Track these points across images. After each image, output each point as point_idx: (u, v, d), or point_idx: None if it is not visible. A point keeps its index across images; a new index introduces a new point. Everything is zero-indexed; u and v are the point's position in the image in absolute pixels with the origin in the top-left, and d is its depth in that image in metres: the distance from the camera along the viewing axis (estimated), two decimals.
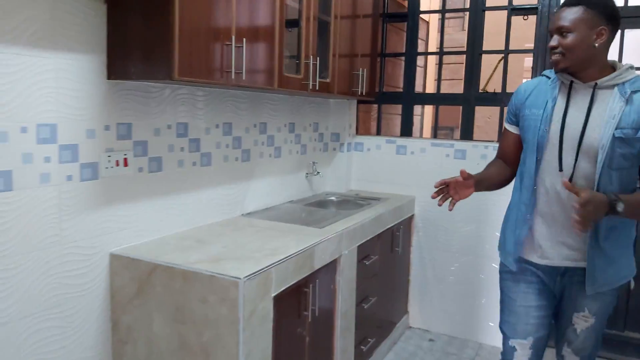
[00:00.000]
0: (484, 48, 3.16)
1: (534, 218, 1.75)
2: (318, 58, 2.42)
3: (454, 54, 4.08)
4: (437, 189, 1.74)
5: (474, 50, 3.15)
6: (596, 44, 1.59)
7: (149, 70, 1.64)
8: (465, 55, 3.17)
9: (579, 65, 1.62)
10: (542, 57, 2.99)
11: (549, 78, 1.75)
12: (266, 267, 1.72)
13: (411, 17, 3.31)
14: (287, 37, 2.27)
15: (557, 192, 1.68)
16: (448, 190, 1.73)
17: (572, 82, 1.66)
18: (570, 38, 1.59)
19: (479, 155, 3.11)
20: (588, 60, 1.61)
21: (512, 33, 3.08)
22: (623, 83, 1.61)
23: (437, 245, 3.27)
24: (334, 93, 2.70)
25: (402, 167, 3.33)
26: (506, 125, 1.91)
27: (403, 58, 3.42)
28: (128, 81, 1.79)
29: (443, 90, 3.42)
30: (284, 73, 2.17)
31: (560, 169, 1.65)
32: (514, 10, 3.06)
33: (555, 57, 1.63)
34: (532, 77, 3.01)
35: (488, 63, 3.49)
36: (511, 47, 3.16)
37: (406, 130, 3.45)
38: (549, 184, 1.70)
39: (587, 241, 1.67)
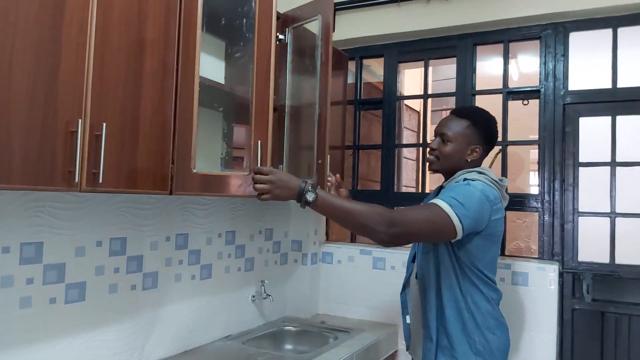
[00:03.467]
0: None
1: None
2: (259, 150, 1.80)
3: None
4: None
5: None
6: (468, 159, 1.71)
7: None
8: None
9: (447, 170, 1.74)
10: (551, 149, 2.38)
11: None
12: None
13: (387, 103, 2.76)
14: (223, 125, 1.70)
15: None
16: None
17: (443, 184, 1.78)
18: (448, 147, 1.71)
19: None
20: (457, 169, 1.72)
21: (515, 121, 2.50)
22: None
23: None
24: None
25: (381, 286, 2.61)
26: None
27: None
28: None
29: (432, 186, 2.78)
30: (192, 170, 1.54)
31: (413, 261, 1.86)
32: (510, 94, 2.51)
33: (430, 157, 1.77)
34: (538, 171, 2.41)
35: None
36: (515, 138, 2.57)
37: None
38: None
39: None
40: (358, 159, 2.89)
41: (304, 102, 2.14)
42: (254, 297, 2.39)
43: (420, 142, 2.84)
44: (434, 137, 1.77)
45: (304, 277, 2.69)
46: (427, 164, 1.80)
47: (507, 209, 2.45)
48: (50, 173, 1.14)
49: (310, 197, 1.47)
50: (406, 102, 3.86)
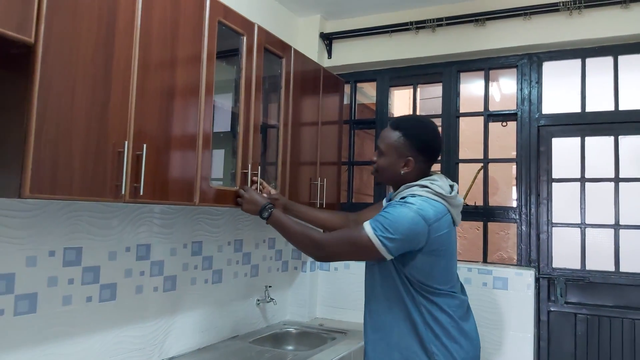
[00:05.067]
0: (465, 157, 2.83)
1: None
2: (259, 167, 2.04)
3: None
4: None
5: (449, 159, 2.81)
6: (402, 172, 1.66)
7: None
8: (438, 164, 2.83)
9: (391, 184, 1.72)
10: (527, 166, 2.63)
11: None
12: None
13: (379, 124, 3.01)
14: (228, 143, 1.93)
15: None
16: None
17: (390, 195, 1.77)
18: (382, 160, 1.70)
19: (462, 278, 2.62)
20: (399, 181, 1.68)
21: (496, 141, 2.76)
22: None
23: None
24: None
25: None
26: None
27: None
28: None
29: None
30: (210, 185, 1.77)
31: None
32: (491, 117, 2.77)
33: (373, 171, 1.76)
34: (516, 186, 2.67)
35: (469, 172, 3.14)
36: (496, 156, 2.83)
37: None
38: None
39: None
40: (353, 174, 3.13)
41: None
42: (258, 301, 2.60)
43: None
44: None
45: (303, 283, 2.90)
46: (373, 176, 1.82)
47: (491, 220, 2.72)
48: (102, 187, 1.36)
49: (264, 214, 1.78)
50: None
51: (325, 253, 1.65)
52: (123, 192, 1.40)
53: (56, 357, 1.59)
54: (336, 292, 2.94)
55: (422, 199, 1.57)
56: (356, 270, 2.90)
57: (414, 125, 1.70)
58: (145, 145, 1.46)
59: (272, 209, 1.79)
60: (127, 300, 1.84)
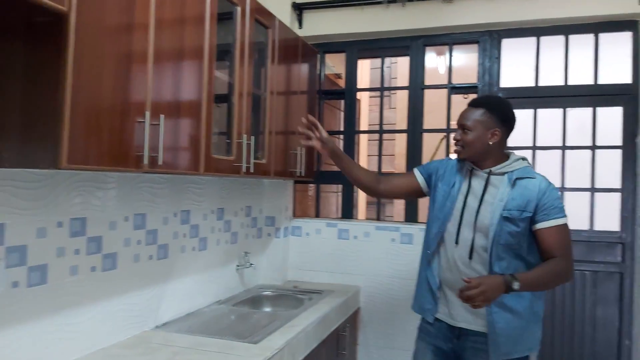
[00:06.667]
0: (430, 126, 3.01)
1: (438, 281, 1.91)
2: (252, 137, 2.09)
3: (395, 132, 3.93)
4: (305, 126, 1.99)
5: (415, 129, 2.98)
6: (490, 142, 1.84)
7: (28, 155, 1.22)
8: (404, 134, 3.00)
9: (476, 157, 1.87)
10: None
11: (459, 161, 1.97)
12: None
13: (348, 94, 3.12)
14: (217, 113, 1.95)
15: (455, 261, 1.85)
16: (314, 131, 2.00)
17: (472, 169, 1.90)
18: (469, 135, 1.84)
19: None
20: (484, 154, 1.85)
21: (458, 112, 2.95)
22: (512, 171, 1.84)
23: (386, 342, 2.89)
24: (271, 175, 2.36)
25: (345, 254, 3.00)
26: (416, 172, 2.08)
27: (340, 136, 3.19)
28: None
29: (385, 168, 3.19)
30: (212, 155, 1.81)
31: (457, 242, 1.84)
32: (454, 89, 2.96)
33: (457, 148, 1.90)
34: None
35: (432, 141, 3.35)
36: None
37: (347, 212, 3.15)
38: (450, 253, 1.87)
39: (491, 307, 1.76)
40: None
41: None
42: (238, 266, 2.67)
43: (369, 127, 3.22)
44: (457, 130, 1.90)
45: (276, 249, 3.00)
46: (457, 154, 1.91)
47: None
48: (125, 157, 1.37)
49: (515, 285, 1.67)
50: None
51: (573, 269, 1.84)
52: (145, 162, 1.42)
53: (65, 327, 1.60)
54: (308, 256, 3.07)
55: (540, 174, 1.86)
56: (327, 234, 3.03)
57: (494, 101, 1.92)
58: (162, 116, 1.48)
59: (516, 278, 1.68)
60: (126, 269, 1.86)
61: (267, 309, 2.72)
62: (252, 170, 2.09)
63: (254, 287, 2.86)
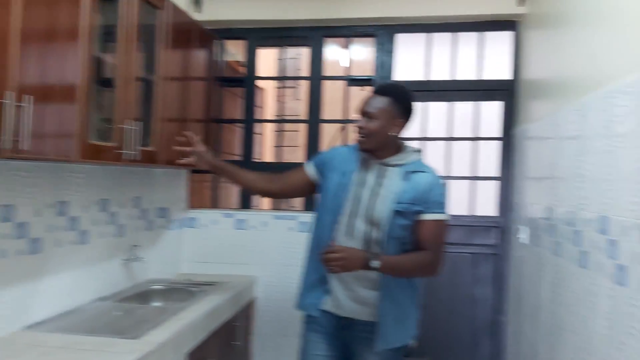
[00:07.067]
0: (327, 117, 3.05)
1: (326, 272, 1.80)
2: (141, 123, 1.97)
3: (294, 122, 3.92)
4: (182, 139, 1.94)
5: (314, 119, 3.00)
6: (391, 133, 1.80)
7: None
8: (305, 124, 3.01)
9: (378, 146, 1.81)
10: None
11: (353, 150, 1.90)
12: None
13: (248, 82, 3.06)
14: (105, 98, 1.81)
15: None
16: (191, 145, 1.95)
17: (367, 158, 1.84)
18: (373, 124, 1.78)
19: None
20: (383, 144, 1.81)
21: (354, 103, 3.02)
22: (406, 164, 1.82)
23: (281, 330, 2.90)
24: (160, 163, 2.25)
25: (242, 244, 2.96)
26: (307, 166, 2.00)
27: (240, 125, 3.13)
28: None
29: (289, 157, 3.19)
30: (88, 140, 1.67)
31: (350, 235, 1.78)
32: (352, 81, 3.02)
33: (360, 138, 1.82)
34: None
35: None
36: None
37: (245, 202, 3.10)
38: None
39: (379, 298, 1.77)
40: (221, 133, 3.14)
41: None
42: (125, 260, 2.52)
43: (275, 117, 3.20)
44: (359, 117, 1.83)
45: (169, 241, 2.88)
46: (359, 144, 1.83)
47: None
48: None
49: (375, 264, 1.68)
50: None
51: (440, 265, 1.82)
52: (6, 147, 1.27)
53: None
54: (203, 248, 2.98)
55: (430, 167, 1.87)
56: (224, 225, 2.97)
57: (400, 91, 1.85)
58: (31, 98, 1.33)
59: (379, 256, 1.70)
60: None
61: (156, 304, 2.59)
62: (138, 158, 1.97)
63: (144, 282, 2.72)
